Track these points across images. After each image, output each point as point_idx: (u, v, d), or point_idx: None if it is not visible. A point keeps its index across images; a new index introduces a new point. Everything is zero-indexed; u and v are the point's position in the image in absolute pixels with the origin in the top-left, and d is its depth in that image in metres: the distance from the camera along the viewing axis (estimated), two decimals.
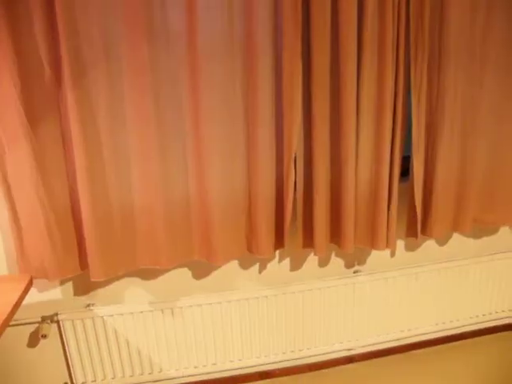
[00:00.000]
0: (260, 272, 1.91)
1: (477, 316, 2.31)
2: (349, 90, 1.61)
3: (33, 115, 1.45)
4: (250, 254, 1.79)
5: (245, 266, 1.89)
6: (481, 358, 2.24)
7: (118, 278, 1.79)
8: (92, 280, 1.59)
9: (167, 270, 1.82)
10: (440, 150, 1.85)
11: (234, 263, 1.88)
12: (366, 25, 1.58)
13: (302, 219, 1.76)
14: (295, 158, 1.68)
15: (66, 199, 1.56)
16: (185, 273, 1.84)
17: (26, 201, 1.51)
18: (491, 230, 2.25)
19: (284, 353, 2.03)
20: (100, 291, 1.80)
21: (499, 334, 2.42)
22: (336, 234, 1.81)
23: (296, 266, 1.94)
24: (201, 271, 1.85)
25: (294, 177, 1.68)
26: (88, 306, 1.80)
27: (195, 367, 1.95)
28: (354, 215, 1.76)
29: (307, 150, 1.71)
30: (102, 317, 1.79)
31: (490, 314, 2.34)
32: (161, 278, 1.83)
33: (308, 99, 1.64)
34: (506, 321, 2.41)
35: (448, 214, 1.97)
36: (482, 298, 2.28)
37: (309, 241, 1.79)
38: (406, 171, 1.91)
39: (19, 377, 1.86)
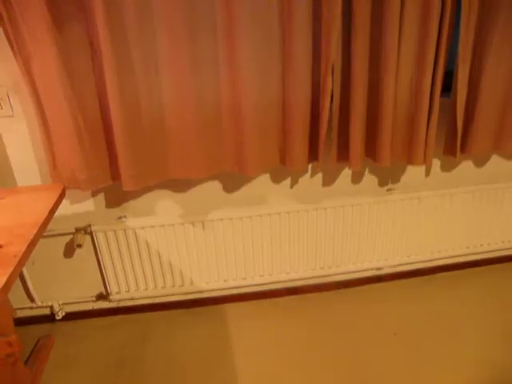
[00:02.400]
0: (292, 186, 1.88)
1: (509, 241, 2.27)
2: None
3: (58, 15, 1.38)
4: (283, 168, 1.76)
5: (276, 180, 1.86)
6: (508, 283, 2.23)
7: (149, 190, 1.79)
8: (124, 189, 1.58)
9: (198, 183, 1.80)
10: (487, 63, 1.73)
11: (266, 177, 1.84)
12: None
13: (337, 131, 1.70)
14: (333, 68, 1.59)
15: (96, 105, 1.52)
16: (216, 186, 1.82)
17: (54, 106, 1.47)
18: None
19: (313, 269, 2.04)
20: (131, 203, 1.80)
21: None
22: (372, 147, 1.74)
23: (328, 181, 1.90)
24: (232, 184, 1.83)
25: (331, 86, 1.60)
26: (120, 217, 1.82)
27: (225, 281, 1.99)
28: (391, 128, 1.69)
29: (346, 59, 1.61)
30: (133, 229, 1.81)
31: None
32: (192, 191, 1.81)
33: (348, 4, 1.53)
34: None
35: (490, 131, 1.87)
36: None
37: (344, 154, 1.73)
38: (448, 88, 1.81)
39: (57, 285, 1.93)
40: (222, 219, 1.84)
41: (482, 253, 2.28)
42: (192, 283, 1.96)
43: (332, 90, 1.62)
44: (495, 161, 2.10)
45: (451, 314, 1.98)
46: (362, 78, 1.61)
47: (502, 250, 2.31)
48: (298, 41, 1.51)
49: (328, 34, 1.51)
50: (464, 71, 1.72)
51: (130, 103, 1.49)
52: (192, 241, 1.87)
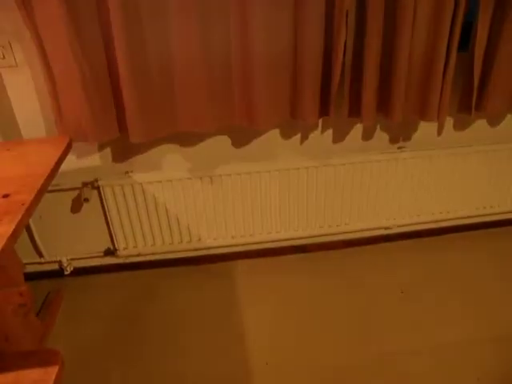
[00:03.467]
0: (301, 142, 1.84)
1: None
2: None
3: None
4: (293, 122, 1.72)
5: (286, 135, 1.82)
6: None
7: (156, 144, 1.76)
8: (131, 141, 1.56)
9: (207, 137, 1.77)
10: (508, 17, 1.65)
11: (275, 132, 1.80)
12: None
13: (349, 84, 1.65)
14: (347, 15, 1.53)
15: (102, 53, 1.47)
16: (224, 140, 1.79)
17: (59, 55, 1.43)
18: None
19: (321, 227, 2.03)
20: (138, 158, 1.78)
21: None
22: (384, 101, 1.69)
23: (339, 137, 1.86)
24: (241, 139, 1.80)
25: (345, 36, 1.54)
26: (127, 172, 1.80)
27: (233, 237, 1.98)
28: (405, 82, 1.63)
29: (360, 8, 1.55)
30: (140, 183, 1.79)
31: None
32: (200, 146, 1.78)
33: None
34: None
35: (508, 89, 1.81)
36: None
37: (356, 108, 1.69)
38: (466, 41, 1.74)
39: (65, 240, 1.93)
40: (230, 174, 1.82)
41: (494, 214, 2.25)
42: (199, 239, 1.96)
43: (346, 41, 1.57)
44: (510, 121, 2.05)
45: (459, 275, 1.98)
46: (377, 29, 1.55)
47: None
48: None
49: None
50: (484, 23, 1.65)
51: (136, 51, 1.44)
52: (200, 196, 1.86)
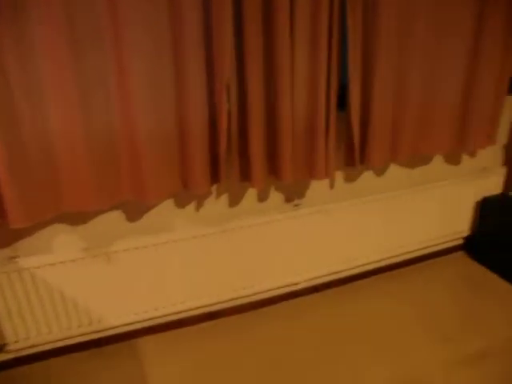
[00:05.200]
0: (197, 210, 1.84)
1: (419, 242, 2.40)
2: (282, 16, 1.53)
3: None
4: (185, 191, 1.71)
5: (180, 204, 1.81)
6: (419, 282, 2.34)
7: (44, 225, 1.66)
8: (12, 227, 1.45)
9: (99, 213, 1.71)
10: (376, 79, 1.82)
11: (169, 202, 1.79)
12: None
13: (237, 150, 1.69)
14: (228, 86, 1.59)
15: None
16: (117, 215, 1.73)
17: None
18: (425, 159, 2.30)
19: (227, 292, 2.00)
20: (25, 241, 1.66)
21: (429, 261, 2.55)
22: (274, 164, 1.76)
23: (234, 201, 1.89)
24: (134, 212, 1.75)
25: (227, 105, 1.59)
26: (12, 258, 1.66)
27: (136, 314, 1.88)
28: (291, 144, 1.71)
29: (241, 79, 1.62)
30: (28, 269, 1.66)
31: (420, 243, 2.43)
32: (92, 223, 1.71)
33: (240, 25, 1.54)
34: (440, 247, 2.53)
35: (385, 142, 1.97)
36: (417, 227, 2.36)
37: (246, 173, 1.73)
38: (344, 101, 1.88)
39: None
40: (127, 250, 1.75)
41: (391, 257, 2.38)
42: (101, 320, 1.84)
43: (229, 110, 1.62)
44: (394, 170, 2.22)
45: (369, 322, 2.03)
46: (259, 96, 1.63)
47: (408, 253, 2.43)
48: (191, 60, 1.49)
49: (221, 53, 1.51)
50: (355, 86, 1.80)
51: (11, 134, 1.37)
52: (97, 275, 1.76)
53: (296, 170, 1.79)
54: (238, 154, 1.70)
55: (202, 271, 1.91)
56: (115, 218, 1.73)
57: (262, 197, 1.93)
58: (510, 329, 1.99)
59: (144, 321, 1.93)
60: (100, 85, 1.44)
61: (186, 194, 1.79)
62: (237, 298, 2.06)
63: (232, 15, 1.51)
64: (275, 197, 1.96)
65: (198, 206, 1.83)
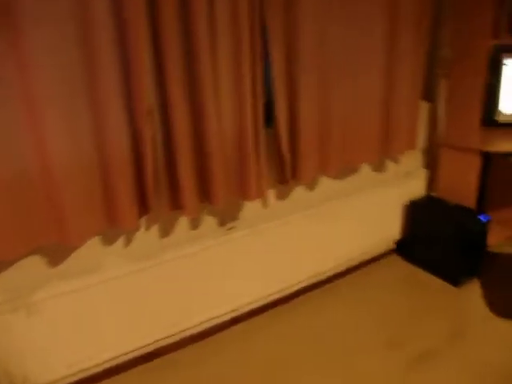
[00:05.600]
0: (126, 246, 1.70)
1: (354, 251, 2.42)
2: (203, 35, 1.48)
3: None
4: (112, 228, 1.58)
5: (108, 241, 1.66)
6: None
7: None
8: None
9: (17, 259, 1.52)
10: (302, 94, 1.83)
11: (95, 240, 1.64)
12: None
13: (165, 178, 1.60)
14: (151, 112, 1.50)
15: None
16: (38, 260, 1.55)
17: None
18: (353, 169, 2.34)
19: (166, 328, 1.87)
20: None
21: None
22: (205, 189, 1.68)
23: (166, 231, 1.78)
24: (57, 255, 1.58)
25: (151, 133, 1.50)
26: None
27: (69, 366, 1.70)
28: (222, 167, 1.65)
29: (164, 103, 1.54)
30: None
31: (355, 251, 2.47)
32: (8, 272, 1.51)
33: (158, 46, 1.46)
34: (375, 252, 2.58)
35: (315, 157, 1.98)
36: (351, 236, 2.39)
37: (177, 201, 1.64)
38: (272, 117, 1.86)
39: None
40: (51, 297, 1.57)
41: (331, 269, 2.38)
42: (25, 380, 1.64)
43: (153, 136, 1.53)
44: (325, 182, 2.23)
45: (315, 336, 2.00)
46: (183, 120, 1.56)
47: (345, 262, 2.45)
48: (107, 86, 1.39)
49: (137, 77, 1.42)
50: (281, 102, 1.79)
51: None
52: (18, 331, 1.56)
53: (228, 193, 1.73)
54: (166, 181, 1.60)
55: (136, 310, 1.77)
56: (35, 263, 1.55)
57: (195, 223, 1.84)
58: (450, 324, 2.05)
59: (76, 373, 1.75)
60: (8, 118, 1.29)
61: (112, 230, 1.66)
62: (176, 333, 1.92)
63: (149, 36, 1.43)
64: (209, 221, 1.87)
65: (127, 241, 1.70)
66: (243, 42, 1.58)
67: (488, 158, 2.35)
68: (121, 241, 1.69)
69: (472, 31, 2.21)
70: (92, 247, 1.64)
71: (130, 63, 1.41)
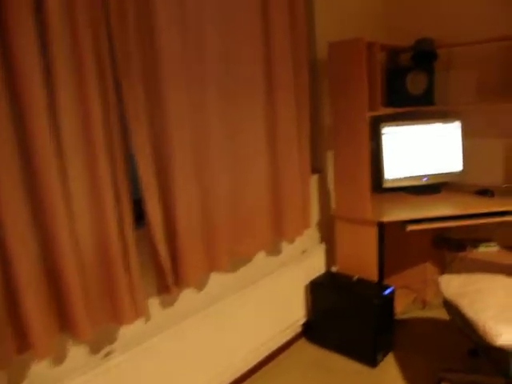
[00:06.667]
0: None
1: (260, 345, 2.18)
2: (42, 138, 1.24)
3: None
4: None
5: None
6: None
7: None
8: None
9: None
10: (176, 186, 1.63)
11: None
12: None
13: (6, 315, 1.26)
14: None
15: None
16: None
17: None
18: (245, 260, 2.16)
19: None
20: None
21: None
22: (64, 320, 1.36)
23: (15, 379, 1.38)
24: None
25: None
26: None
27: None
28: (82, 290, 1.35)
29: None
30: None
31: (262, 344, 2.25)
32: None
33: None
34: (283, 340, 2.37)
35: (199, 254, 1.77)
36: (254, 329, 2.17)
37: (25, 341, 1.29)
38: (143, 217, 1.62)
39: None
40: None
41: (238, 370, 2.12)
42: None
43: None
44: (216, 278, 2.01)
45: None
46: (26, 242, 1.26)
47: (254, 359, 2.21)
48: None
49: None
50: (151, 198, 1.57)
51: None
52: None
53: (95, 320, 1.42)
54: (7, 319, 1.26)
55: None
56: None
57: (58, 359, 1.47)
58: None
59: None
60: None
61: None
62: None
63: None
64: (78, 351, 1.51)
65: None
66: (95, 133, 1.36)
67: (382, 228, 2.31)
68: None
69: (350, 104, 2.21)
70: None
71: None
